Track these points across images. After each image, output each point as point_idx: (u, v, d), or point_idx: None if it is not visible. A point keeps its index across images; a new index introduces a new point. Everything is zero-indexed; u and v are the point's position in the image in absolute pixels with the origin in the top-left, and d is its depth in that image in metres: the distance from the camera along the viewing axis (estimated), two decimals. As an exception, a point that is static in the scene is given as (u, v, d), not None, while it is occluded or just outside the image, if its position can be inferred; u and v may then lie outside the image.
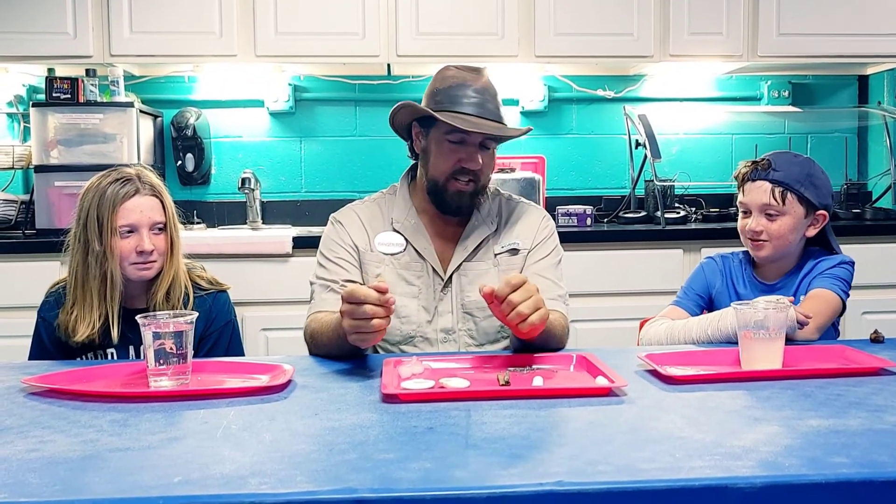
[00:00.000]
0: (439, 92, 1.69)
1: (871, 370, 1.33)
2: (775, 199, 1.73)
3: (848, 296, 1.76)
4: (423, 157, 1.74)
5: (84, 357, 1.71)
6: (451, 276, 1.73)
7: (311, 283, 1.73)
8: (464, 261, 1.74)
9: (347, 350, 1.46)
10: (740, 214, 1.82)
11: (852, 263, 1.81)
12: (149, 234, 1.70)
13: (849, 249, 2.88)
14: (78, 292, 1.69)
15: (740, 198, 1.81)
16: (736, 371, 1.36)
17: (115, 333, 1.69)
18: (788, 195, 1.73)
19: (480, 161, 1.67)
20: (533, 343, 1.49)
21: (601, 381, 1.25)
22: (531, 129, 1.81)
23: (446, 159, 1.68)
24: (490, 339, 1.74)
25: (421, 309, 1.72)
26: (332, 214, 1.81)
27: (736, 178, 1.83)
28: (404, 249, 1.73)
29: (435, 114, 1.65)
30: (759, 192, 1.75)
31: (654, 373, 1.32)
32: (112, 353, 1.72)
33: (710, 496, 0.84)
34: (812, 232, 1.79)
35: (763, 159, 1.78)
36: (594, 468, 0.89)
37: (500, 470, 0.89)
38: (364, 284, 1.54)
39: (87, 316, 1.68)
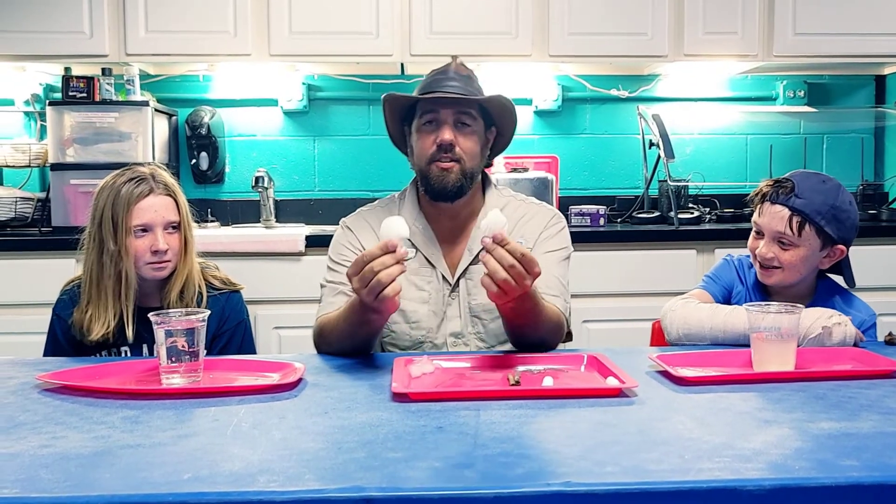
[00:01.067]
0: (417, 89, 1.73)
1: (884, 373, 1.32)
2: (791, 230, 1.61)
3: None
4: (411, 153, 1.75)
5: (98, 355, 1.72)
6: (457, 282, 1.73)
7: (321, 286, 1.74)
8: (470, 264, 1.73)
9: (359, 340, 1.48)
10: (753, 234, 1.71)
11: (874, 324, 1.70)
12: (163, 233, 1.71)
13: (864, 251, 2.88)
14: (93, 291, 1.71)
15: (755, 217, 1.70)
16: (747, 373, 1.35)
17: (130, 332, 1.70)
18: (807, 226, 1.61)
19: (453, 134, 1.65)
20: (522, 333, 1.53)
21: (612, 382, 1.24)
22: (503, 98, 1.70)
23: (424, 142, 1.68)
24: (500, 340, 1.73)
25: (431, 314, 1.71)
26: (343, 219, 1.82)
27: (755, 195, 1.70)
28: (414, 255, 1.73)
29: (403, 95, 1.69)
30: (776, 219, 1.63)
31: (665, 374, 1.32)
32: (126, 351, 1.73)
33: (718, 498, 0.84)
34: (826, 264, 1.67)
35: (787, 181, 1.64)
36: (602, 469, 0.89)
37: (508, 470, 0.89)
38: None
39: (101, 315, 1.69)
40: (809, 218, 1.61)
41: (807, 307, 1.68)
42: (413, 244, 1.74)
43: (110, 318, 1.69)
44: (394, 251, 1.32)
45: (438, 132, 1.66)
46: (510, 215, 1.78)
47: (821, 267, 1.69)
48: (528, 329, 1.52)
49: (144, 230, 1.70)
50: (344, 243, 1.76)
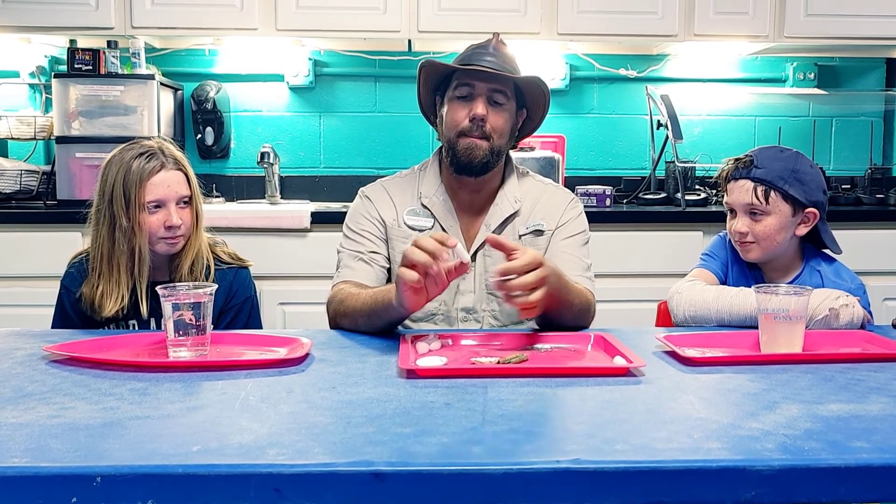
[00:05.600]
0: (455, 60, 1.72)
1: (892, 356, 1.32)
2: (758, 199, 1.64)
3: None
4: (440, 123, 1.74)
5: (107, 328, 1.72)
6: (474, 256, 1.73)
7: (339, 252, 1.74)
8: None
9: (379, 323, 1.48)
10: (728, 215, 1.74)
11: (864, 293, 1.68)
12: (176, 208, 1.71)
13: (872, 235, 2.89)
14: (104, 267, 1.70)
15: (725, 198, 1.73)
16: (755, 354, 1.35)
17: (144, 308, 1.70)
18: (772, 193, 1.64)
19: (485, 109, 1.65)
20: (558, 316, 1.51)
21: (619, 361, 1.24)
22: (540, 80, 1.70)
23: (455, 114, 1.68)
24: (514, 321, 1.74)
25: None
26: (362, 189, 1.81)
27: (719, 177, 1.75)
28: (432, 227, 1.72)
29: (441, 63, 1.68)
30: (742, 192, 1.67)
31: (673, 354, 1.32)
32: (134, 325, 1.73)
33: (727, 477, 0.84)
34: (802, 231, 1.69)
35: (746, 156, 1.70)
36: (611, 447, 0.89)
37: (516, 447, 0.89)
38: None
39: (114, 291, 1.69)
40: (773, 184, 1.65)
41: (794, 278, 1.72)
42: (432, 214, 1.74)
43: (124, 293, 1.69)
44: (445, 247, 1.30)
45: (471, 105, 1.66)
46: (528, 195, 1.78)
47: (798, 234, 1.70)
48: (564, 310, 1.51)
49: (158, 206, 1.69)
50: (362, 213, 1.75)
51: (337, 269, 1.72)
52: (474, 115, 1.65)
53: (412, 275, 1.30)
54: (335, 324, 1.59)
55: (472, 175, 1.70)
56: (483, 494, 0.83)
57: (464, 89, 1.66)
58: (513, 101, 1.70)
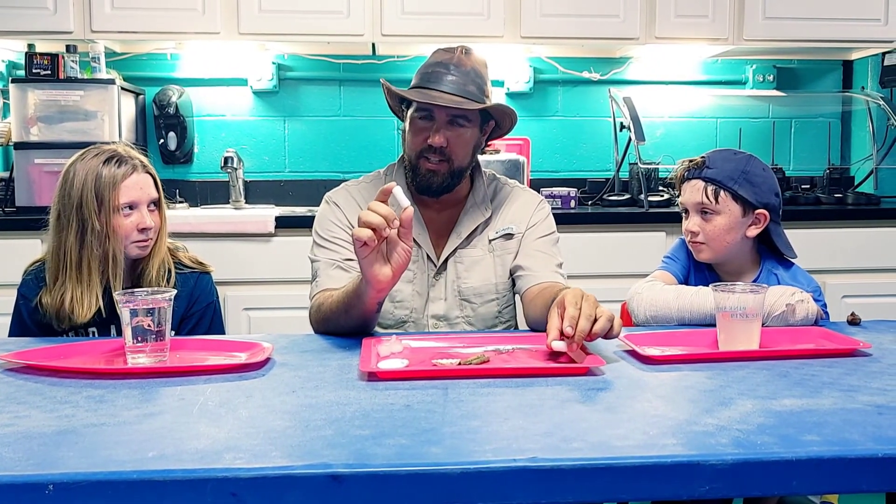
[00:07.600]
0: (418, 73, 1.70)
1: (846, 351, 1.35)
2: (708, 198, 1.68)
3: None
4: (403, 138, 1.74)
5: (66, 335, 1.69)
6: (444, 263, 1.72)
7: (313, 262, 1.71)
8: (458, 248, 1.73)
9: (353, 318, 1.46)
10: (683, 216, 1.78)
11: (821, 294, 1.70)
12: (147, 210, 1.70)
13: (830, 234, 2.94)
14: (74, 273, 1.67)
15: (680, 198, 1.77)
16: (713, 352, 1.37)
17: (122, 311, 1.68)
18: (722, 193, 1.67)
19: (444, 138, 1.63)
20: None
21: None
22: (502, 106, 1.67)
23: (415, 137, 1.67)
24: (488, 325, 1.74)
25: (415, 294, 1.71)
26: (327, 194, 1.79)
27: (674, 178, 1.79)
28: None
29: (397, 91, 1.66)
30: (694, 192, 1.71)
31: (633, 353, 1.33)
32: (93, 332, 1.71)
33: (681, 472, 0.85)
34: (753, 232, 1.71)
35: (699, 157, 1.73)
36: (568, 445, 0.90)
37: (475, 446, 0.89)
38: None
39: (86, 297, 1.66)
40: (722, 184, 1.68)
41: (752, 282, 1.72)
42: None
43: (98, 297, 1.67)
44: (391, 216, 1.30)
45: (431, 132, 1.64)
46: (497, 200, 1.78)
47: (749, 235, 1.72)
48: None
49: (131, 208, 1.68)
50: (331, 219, 1.73)
51: (313, 280, 1.68)
52: (432, 144, 1.63)
53: (365, 231, 1.28)
54: (319, 331, 1.57)
55: (432, 196, 1.70)
56: (440, 494, 0.83)
57: (423, 111, 1.65)
58: (476, 121, 1.69)
